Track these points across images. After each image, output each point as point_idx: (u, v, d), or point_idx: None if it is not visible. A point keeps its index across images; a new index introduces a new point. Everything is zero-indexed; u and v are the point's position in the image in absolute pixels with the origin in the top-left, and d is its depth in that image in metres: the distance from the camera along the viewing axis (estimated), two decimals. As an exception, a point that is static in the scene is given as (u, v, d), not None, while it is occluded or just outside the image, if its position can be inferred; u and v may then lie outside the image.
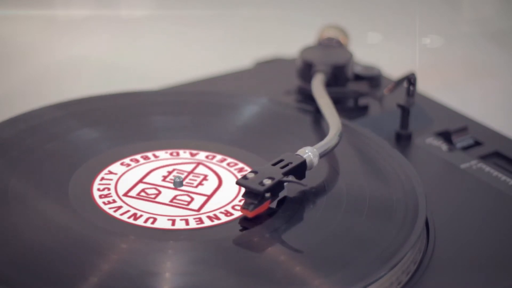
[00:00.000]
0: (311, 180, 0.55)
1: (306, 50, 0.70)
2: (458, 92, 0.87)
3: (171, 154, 0.59)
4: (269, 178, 0.52)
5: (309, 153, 0.54)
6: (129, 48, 1.00)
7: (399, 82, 0.66)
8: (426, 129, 0.66)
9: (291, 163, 0.53)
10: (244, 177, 0.52)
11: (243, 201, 0.52)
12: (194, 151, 0.59)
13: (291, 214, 0.53)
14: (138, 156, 0.58)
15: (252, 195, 0.52)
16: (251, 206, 0.51)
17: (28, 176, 0.55)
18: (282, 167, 0.53)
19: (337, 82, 0.68)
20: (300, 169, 0.54)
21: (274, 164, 0.53)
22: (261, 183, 0.51)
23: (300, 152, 0.55)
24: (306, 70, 0.69)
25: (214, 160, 0.59)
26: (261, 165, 0.54)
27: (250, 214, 0.51)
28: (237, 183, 0.52)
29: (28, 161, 0.57)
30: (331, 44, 0.71)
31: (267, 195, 0.52)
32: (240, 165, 0.58)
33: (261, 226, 0.52)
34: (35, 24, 1.03)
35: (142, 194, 0.55)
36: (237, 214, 0.53)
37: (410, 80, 0.65)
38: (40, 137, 0.60)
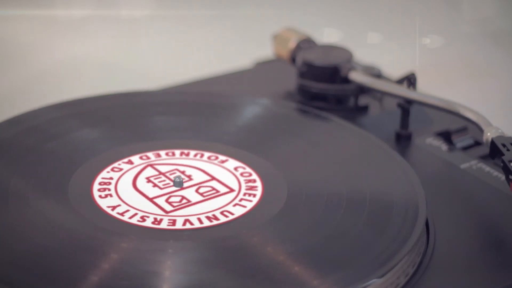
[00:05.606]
0: (311, 179, 0.55)
1: (309, 54, 0.70)
2: (458, 92, 0.87)
3: (127, 162, 0.58)
4: None
5: (501, 131, 0.56)
6: (129, 48, 1.00)
7: (399, 82, 0.66)
8: (426, 129, 0.66)
9: None
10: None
11: None
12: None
13: (291, 214, 0.53)
14: (136, 157, 0.58)
15: None
16: None
17: (28, 176, 0.55)
18: None
19: (340, 80, 0.69)
20: None
21: None
22: None
23: (497, 133, 0.56)
24: (331, 73, 0.69)
25: (196, 156, 0.59)
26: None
27: None
28: None
29: (28, 161, 0.57)
30: (313, 46, 0.71)
31: None
32: (231, 161, 0.58)
33: (261, 226, 0.52)
34: (35, 24, 1.03)
35: (175, 204, 0.54)
36: (240, 212, 0.53)
37: (410, 80, 0.65)
38: (40, 137, 0.60)
